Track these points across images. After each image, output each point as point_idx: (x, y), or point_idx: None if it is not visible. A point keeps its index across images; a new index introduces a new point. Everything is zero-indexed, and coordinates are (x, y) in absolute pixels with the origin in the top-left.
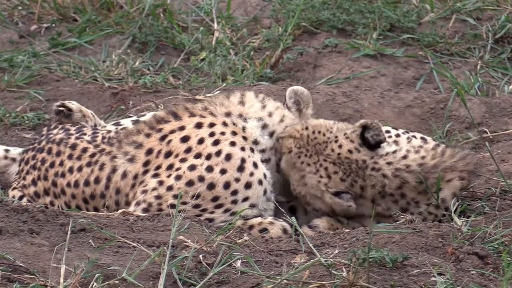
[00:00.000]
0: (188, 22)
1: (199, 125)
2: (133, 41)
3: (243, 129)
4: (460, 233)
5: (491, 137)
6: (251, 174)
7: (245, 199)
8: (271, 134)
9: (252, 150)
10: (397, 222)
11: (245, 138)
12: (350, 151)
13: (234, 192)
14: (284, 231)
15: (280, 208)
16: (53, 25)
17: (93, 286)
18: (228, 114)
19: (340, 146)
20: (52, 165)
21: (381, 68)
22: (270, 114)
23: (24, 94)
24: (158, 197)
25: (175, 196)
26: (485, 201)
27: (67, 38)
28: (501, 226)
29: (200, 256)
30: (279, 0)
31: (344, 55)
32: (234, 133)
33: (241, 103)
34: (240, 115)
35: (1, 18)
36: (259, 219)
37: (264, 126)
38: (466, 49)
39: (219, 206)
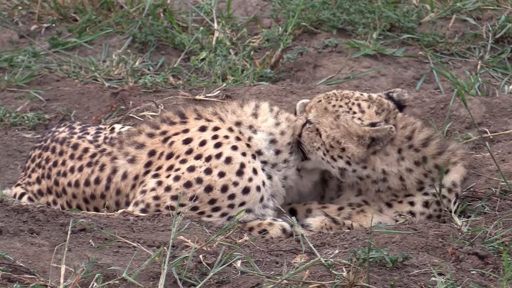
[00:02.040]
0: (188, 22)
1: (203, 128)
2: (133, 41)
3: (249, 139)
4: (460, 233)
5: (491, 137)
6: (250, 180)
7: (242, 203)
8: (277, 152)
9: (254, 157)
10: (398, 222)
11: (248, 145)
12: (380, 95)
13: (231, 196)
14: (284, 231)
15: (281, 208)
16: (53, 25)
17: (93, 286)
18: (238, 124)
19: (368, 93)
20: (55, 164)
21: (381, 68)
22: (282, 133)
23: (24, 94)
24: (156, 197)
25: (173, 197)
26: (485, 201)
27: (67, 38)
28: (501, 226)
29: (200, 256)
30: (279, 0)
31: (344, 55)
32: (238, 139)
33: (254, 115)
34: (251, 127)
35: (1, 18)
36: (258, 221)
37: (273, 141)
38: (466, 49)
39: (216, 209)
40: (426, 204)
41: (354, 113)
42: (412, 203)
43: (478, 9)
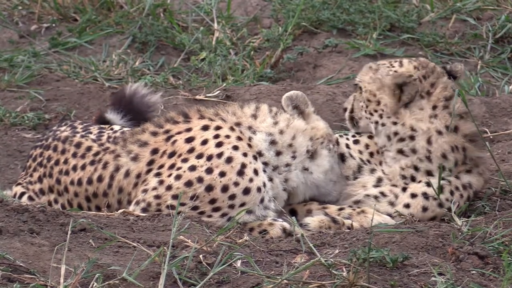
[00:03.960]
0: (188, 22)
1: (205, 128)
2: (133, 41)
3: (249, 139)
4: (460, 233)
5: (491, 137)
6: (251, 180)
7: (242, 204)
8: (278, 154)
9: (255, 158)
10: (398, 222)
11: (249, 145)
12: (429, 61)
13: (232, 197)
14: (284, 230)
15: (281, 209)
16: (53, 25)
17: (93, 286)
18: (238, 124)
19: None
20: (57, 162)
21: None
22: (281, 132)
23: (24, 94)
24: (157, 196)
25: (174, 196)
26: (485, 201)
27: (67, 38)
28: (501, 226)
29: (200, 256)
30: (279, 0)
31: (344, 55)
32: (239, 139)
33: (253, 116)
34: (250, 128)
35: (1, 18)
36: (258, 221)
37: (273, 142)
38: (466, 49)
39: (216, 210)
40: (441, 189)
41: (393, 67)
42: (428, 184)
43: (478, 9)
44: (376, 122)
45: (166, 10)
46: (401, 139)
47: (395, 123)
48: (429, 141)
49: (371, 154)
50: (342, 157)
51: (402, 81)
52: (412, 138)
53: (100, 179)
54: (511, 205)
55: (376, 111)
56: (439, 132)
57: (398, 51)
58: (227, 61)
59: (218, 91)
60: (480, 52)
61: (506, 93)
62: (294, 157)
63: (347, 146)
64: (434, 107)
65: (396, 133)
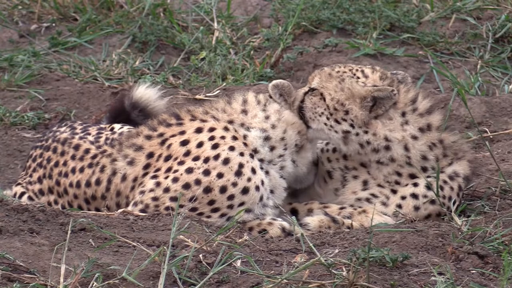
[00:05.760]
0: (188, 22)
1: (199, 130)
2: (133, 41)
3: (244, 137)
4: (460, 233)
5: (491, 136)
6: (249, 180)
7: (241, 204)
8: (272, 148)
9: (251, 156)
10: (397, 222)
11: (245, 144)
12: (384, 70)
13: (231, 197)
14: (283, 230)
15: (281, 208)
16: (53, 24)
17: (93, 285)
18: (230, 122)
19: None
20: (56, 164)
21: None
22: (273, 127)
23: (24, 94)
24: (155, 198)
25: (172, 198)
26: (485, 201)
27: (67, 38)
28: (501, 226)
29: (200, 255)
30: (279, 0)
31: (344, 54)
32: (234, 138)
33: (243, 111)
34: (242, 124)
35: (1, 17)
36: (257, 221)
37: (267, 138)
38: (466, 48)
39: (215, 210)
40: (429, 187)
41: (358, 77)
42: (415, 184)
43: (478, 8)
44: (347, 132)
45: (166, 9)
46: (375, 150)
47: (366, 132)
48: (406, 148)
49: (345, 158)
50: (329, 174)
51: (384, 95)
52: (387, 148)
53: (98, 182)
54: (511, 204)
55: (345, 120)
56: (414, 137)
57: (398, 50)
58: (227, 60)
59: (218, 91)
60: (480, 52)
61: (506, 92)
62: (285, 149)
63: (329, 160)
64: (403, 114)
65: (368, 142)
